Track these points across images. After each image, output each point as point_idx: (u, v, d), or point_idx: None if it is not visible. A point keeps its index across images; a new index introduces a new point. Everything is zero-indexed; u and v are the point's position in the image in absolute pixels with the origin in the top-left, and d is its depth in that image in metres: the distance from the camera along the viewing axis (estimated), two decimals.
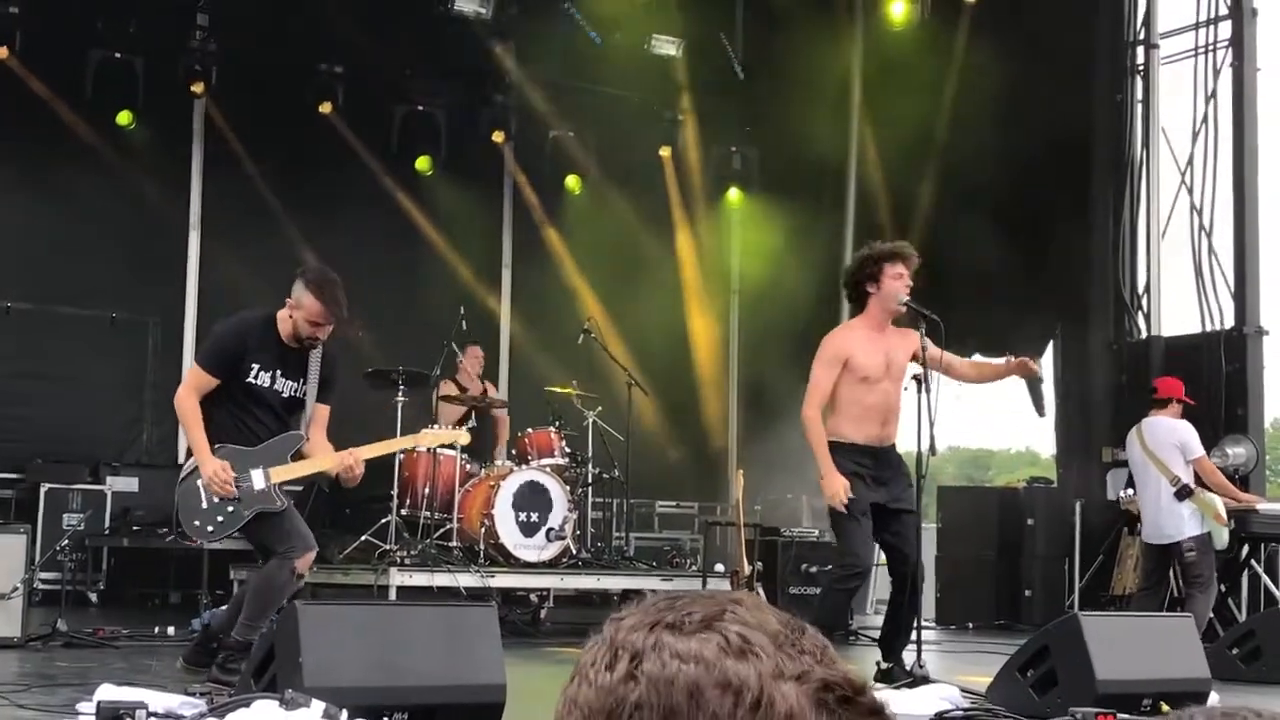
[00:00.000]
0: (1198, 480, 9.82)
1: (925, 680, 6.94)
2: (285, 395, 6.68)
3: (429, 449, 10.59)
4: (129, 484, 12.23)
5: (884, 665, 7.29)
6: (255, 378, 6.59)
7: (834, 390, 7.28)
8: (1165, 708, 6.19)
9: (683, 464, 15.13)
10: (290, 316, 6.64)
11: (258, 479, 6.55)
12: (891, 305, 7.24)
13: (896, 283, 7.20)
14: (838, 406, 7.31)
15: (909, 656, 7.27)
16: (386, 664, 4.89)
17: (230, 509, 6.52)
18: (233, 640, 6.52)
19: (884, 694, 5.74)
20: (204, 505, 6.53)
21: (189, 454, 6.71)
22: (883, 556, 7.77)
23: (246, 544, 7.35)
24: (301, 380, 6.72)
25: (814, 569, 11.60)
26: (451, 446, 10.75)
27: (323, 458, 6.71)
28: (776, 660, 1.12)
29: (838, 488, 7.07)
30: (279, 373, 6.66)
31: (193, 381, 6.63)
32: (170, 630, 9.13)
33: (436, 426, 8.29)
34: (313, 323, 6.61)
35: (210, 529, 6.58)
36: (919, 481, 7.31)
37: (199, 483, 6.52)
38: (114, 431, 13.12)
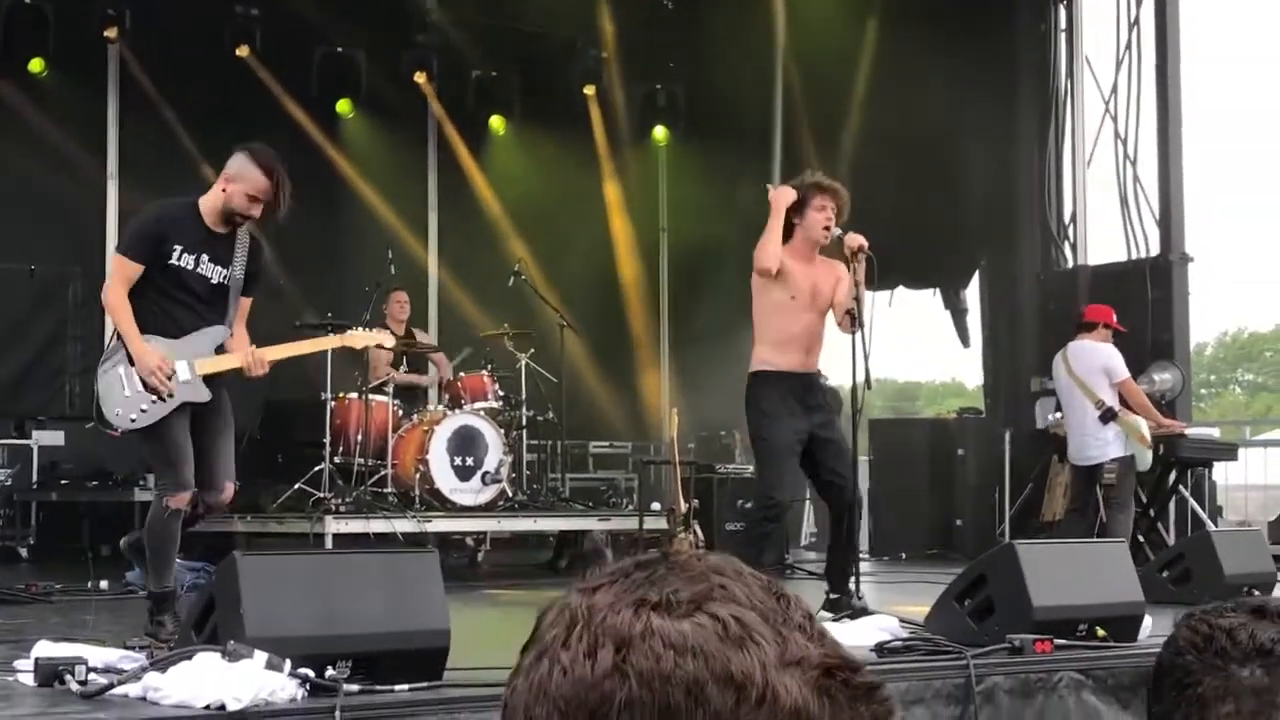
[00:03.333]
0: (1122, 403, 9.98)
1: (864, 612, 7.01)
2: (212, 281, 6.43)
3: (360, 393, 10.52)
4: (55, 438, 12.06)
5: (832, 595, 7.37)
6: (179, 259, 6.33)
7: (760, 319, 7.40)
8: (1101, 632, 6.28)
9: (616, 404, 15.12)
10: (224, 190, 6.40)
11: (183, 370, 6.34)
12: (815, 235, 7.33)
13: (819, 214, 7.31)
14: (764, 334, 7.43)
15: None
16: (329, 613, 4.85)
17: (154, 399, 6.29)
18: (149, 593, 6.42)
19: (826, 625, 5.82)
20: (126, 393, 6.30)
21: (114, 337, 6.44)
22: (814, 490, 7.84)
23: None
24: (228, 267, 6.48)
25: (749, 504, 11.63)
26: (382, 390, 10.69)
27: (233, 355, 6.52)
28: (775, 645, 1.04)
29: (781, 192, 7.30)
30: (204, 256, 6.39)
31: (118, 273, 6.37)
32: (104, 584, 9.03)
33: (361, 329, 7.80)
34: (251, 196, 6.37)
35: (133, 417, 6.30)
36: (855, 417, 7.36)
37: (121, 370, 6.30)
38: (38, 385, 12.91)
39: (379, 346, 7.68)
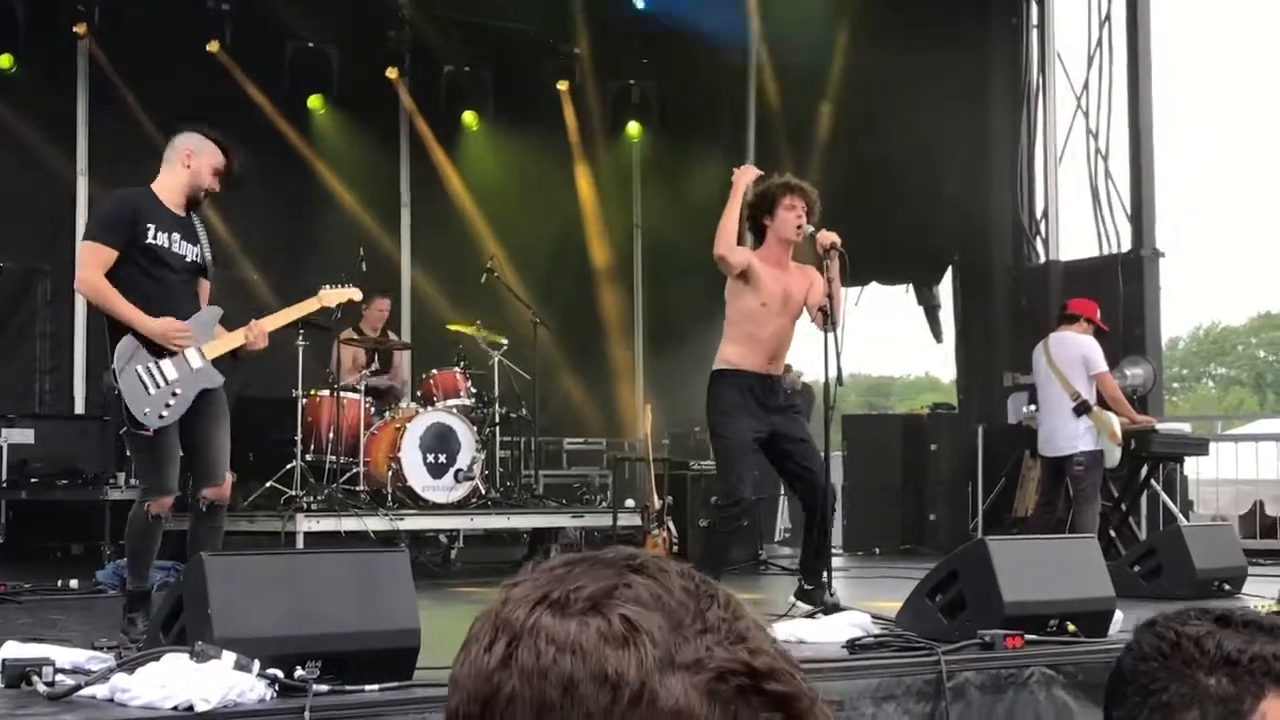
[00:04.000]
0: (1099, 398, 10.02)
1: (836, 608, 7.01)
2: (188, 259, 6.40)
3: (332, 391, 10.48)
4: (25, 435, 11.96)
5: (806, 587, 7.39)
6: (154, 238, 6.28)
7: (731, 317, 7.42)
8: (1071, 627, 6.29)
9: (590, 401, 15.11)
10: (188, 167, 6.40)
11: (194, 357, 6.31)
12: (786, 235, 7.36)
13: (789, 214, 7.35)
14: (731, 334, 7.46)
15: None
16: (298, 613, 4.83)
17: (176, 392, 6.24)
18: (127, 594, 6.41)
19: (796, 624, 5.77)
20: (150, 391, 6.22)
21: (114, 339, 6.29)
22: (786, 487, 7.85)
23: None
24: (199, 246, 6.46)
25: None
26: (353, 389, 10.65)
27: (234, 333, 6.51)
28: (667, 646, 1.03)
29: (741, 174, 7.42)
30: (175, 235, 6.36)
31: (91, 260, 6.24)
32: (74, 583, 8.98)
33: (329, 287, 7.85)
34: (215, 170, 6.42)
35: (162, 414, 6.23)
36: (828, 413, 7.36)
37: (139, 368, 6.21)
38: (7, 383, 12.84)
39: (349, 301, 7.69)
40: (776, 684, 1.05)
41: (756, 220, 7.45)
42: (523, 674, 1.04)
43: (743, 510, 7.35)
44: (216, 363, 6.47)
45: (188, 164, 6.41)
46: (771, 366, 7.43)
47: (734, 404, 7.30)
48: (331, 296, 7.42)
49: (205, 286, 6.59)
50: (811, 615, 6.89)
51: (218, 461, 6.47)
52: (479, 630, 1.09)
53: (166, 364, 6.26)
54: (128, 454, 7.08)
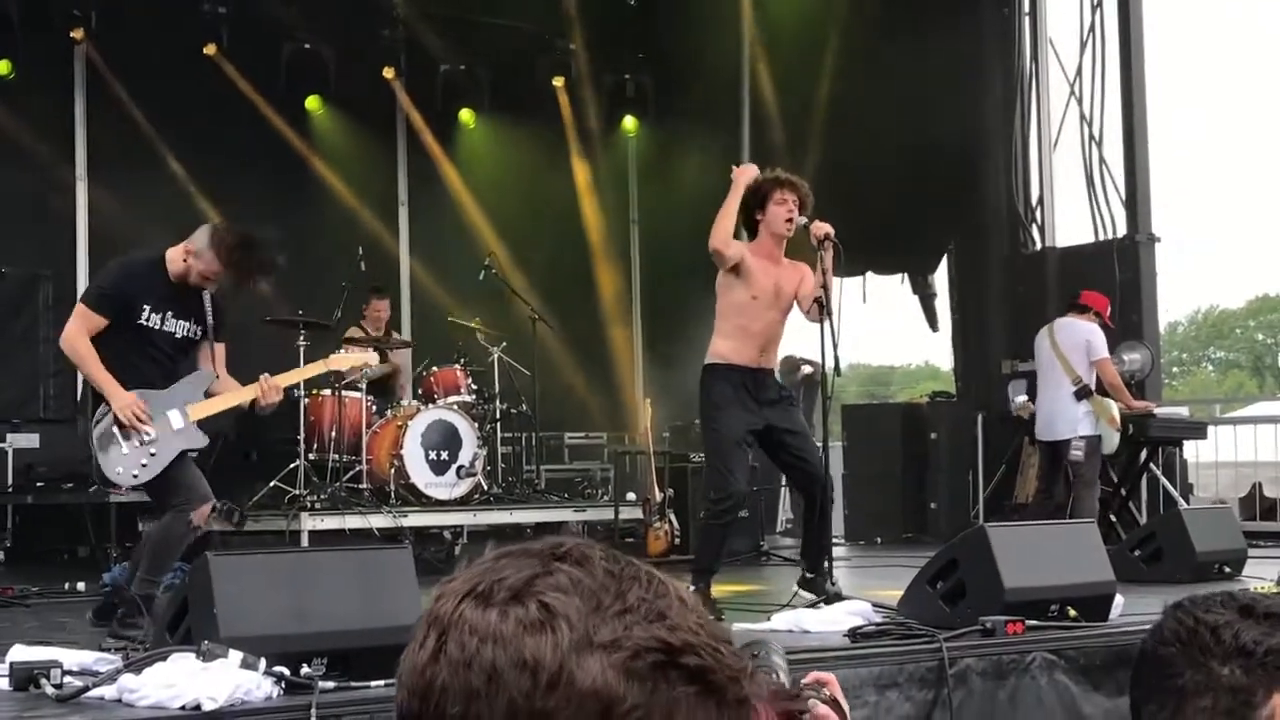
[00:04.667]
0: (1098, 385, 10.06)
1: (838, 597, 7.06)
2: (178, 336, 6.64)
3: (334, 390, 10.53)
4: (30, 440, 12.02)
5: (808, 575, 7.43)
6: (147, 319, 6.55)
7: (722, 310, 7.47)
8: (1072, 612, 6.33)
9: (590, 395, 15.14)
10: (185, 261, 6.61)
11: (175, 419, 6.51)
12: (778, 230, 7.40)
13: (780, 208, 7.40)
14: (722, 328, 7.51)
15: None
16: (302, 610, 4.87)
17: (153, 452, 6.44)
18: (130, 595, 6.47)
19: (798, 614, 5.80)
20: (124, 450, 6.43)
21: (95, 402, 6.55)
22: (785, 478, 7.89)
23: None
24: (193, 320, 6.68)
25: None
26: (355, 387, 10.70)
27: (240, 391, 6.72)
28: (585, 628, 1.08)
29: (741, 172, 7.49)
30: (170, 314, 6.61)
31: (81, 322, 6.51)
32: (80, 586, 9.03)
33: (343, 350, 8.11)
34: (204, 275, 6.61)
35: (135, 474, 6.47)
36: (825, 403, 7.41)
37: (114, 429, 6.42)
38: (11, 388, 12.86)
39: (366, 365, 7.97)
40: (692, 657, 1.09)
41: (748, 215, 7.49)
42: (450, 665, 1.10)
43: (735, 503, 7.38)
44: (223, 417, 6.74)
45: (185, 258, 6.63)
46: (763, 359, 7.47)
47: (726, 398, 7.33)
48: (342, 360, 7.72)
49: (220, 350, 6.80)
50: (814, 605, 6.93)
51: (198, 486, 6.61)
52: (417, 628, 1.14)
53: (144, 425, 6.45)
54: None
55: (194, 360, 6.74)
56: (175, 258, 6.64)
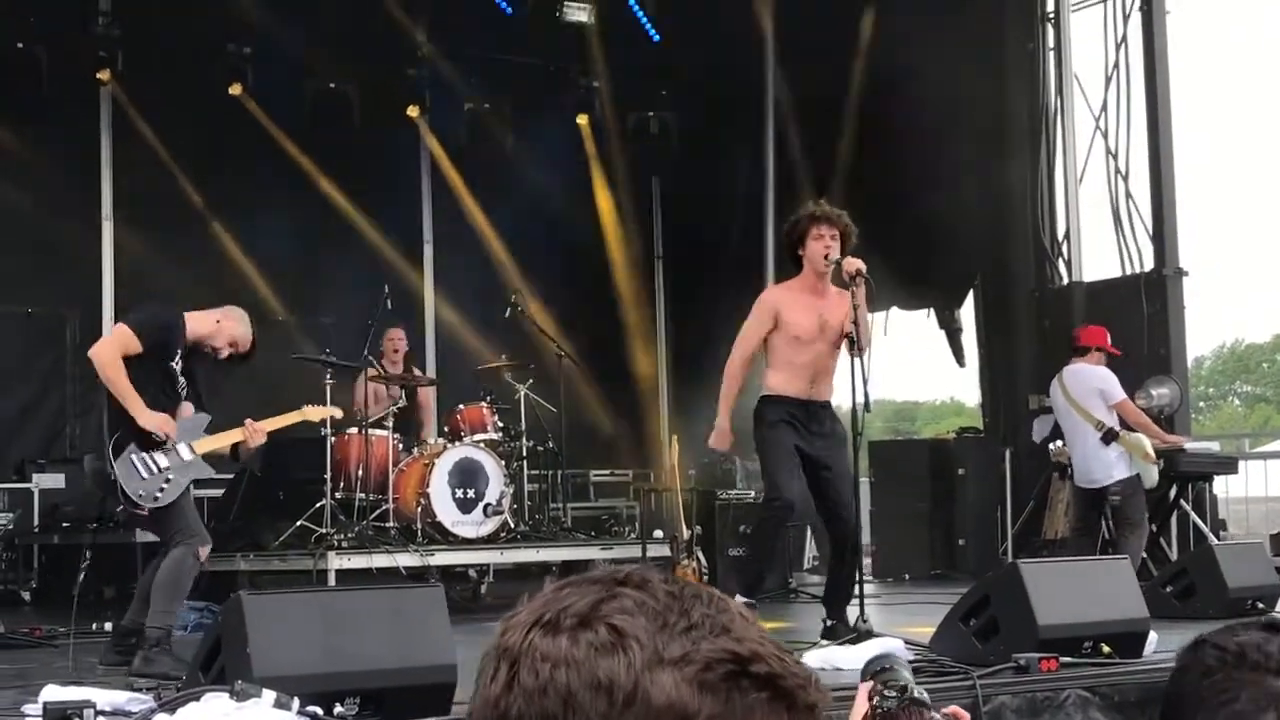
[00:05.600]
0: (1122, 424, 9.96)
1: (869, 634, 7.01)
2: (183, 392, 7.07)
3: (360, 428, 10.53)
4: (56, 480, 12.03)
5: (828, 622, 7.41)
6: (175, 363, 6.95)
7: (770, 345, 7.53)
8: (1106, 648, 6.28)
9: (616, 432, 15.12)
10: (217, 323, 7.09)
11: (184, 451, 6.93)
12: (818, 266, 7.44)
13: (817, 244, 7.43)
14: (772, 360, 7.59)
15: (852, 613, 7.38)
16: (336, 650, 4.86)
17: (170, 479, 6.83)
18: (152, 632, 6.53)
19: (829, 651, 5.77)
20: (144, 476, 6.80)
21: (111, 430, 6.87)
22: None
23: None
24: (190, 382, 7.12)
25: (751, 530, 11.64)
26: (381, 425, 10.69)
27: (227, 434, 7.19)
28: (654, 647, 1.10)
29: (718, 442, 7.72)
30: (183, 367, 7.05)
31: (119, 342, 6.83)
32: (109, 626, 9.01)
33: (313, 405, 8.65)
34: (232, 344, 7.13)
35: (156, 496, 6.81)
36: (855, 440, 7.37)
37: (134, 458, 6.78)
38: (37, 428, 12.91)
39: (333, 416, 8.89)
40: (762, 665, 1.11)
41: (793, 250, 7.56)
42: (525, 694, 1.11)
43: (784, 504, 7.38)
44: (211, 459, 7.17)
45: (219, 320, 7.14)
46: (814, 391, 7.52)
47: (779, 420, 7.43)
48: (314, 412, 8.42)
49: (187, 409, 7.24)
50: (846, 641, 6.87)
51: (200, 524, 7.14)
52: (484, 664, 1.16)
53: (159, 455, 6.88)
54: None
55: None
56: (203, 319, 7.09)
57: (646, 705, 1.08)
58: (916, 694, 2.72)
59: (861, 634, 7.05)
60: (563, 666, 1.10)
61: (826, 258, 7.37)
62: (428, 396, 12.11)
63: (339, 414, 8.82)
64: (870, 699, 2.72)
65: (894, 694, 2.69)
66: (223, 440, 7.20)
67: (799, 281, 7.57)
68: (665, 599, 1.14)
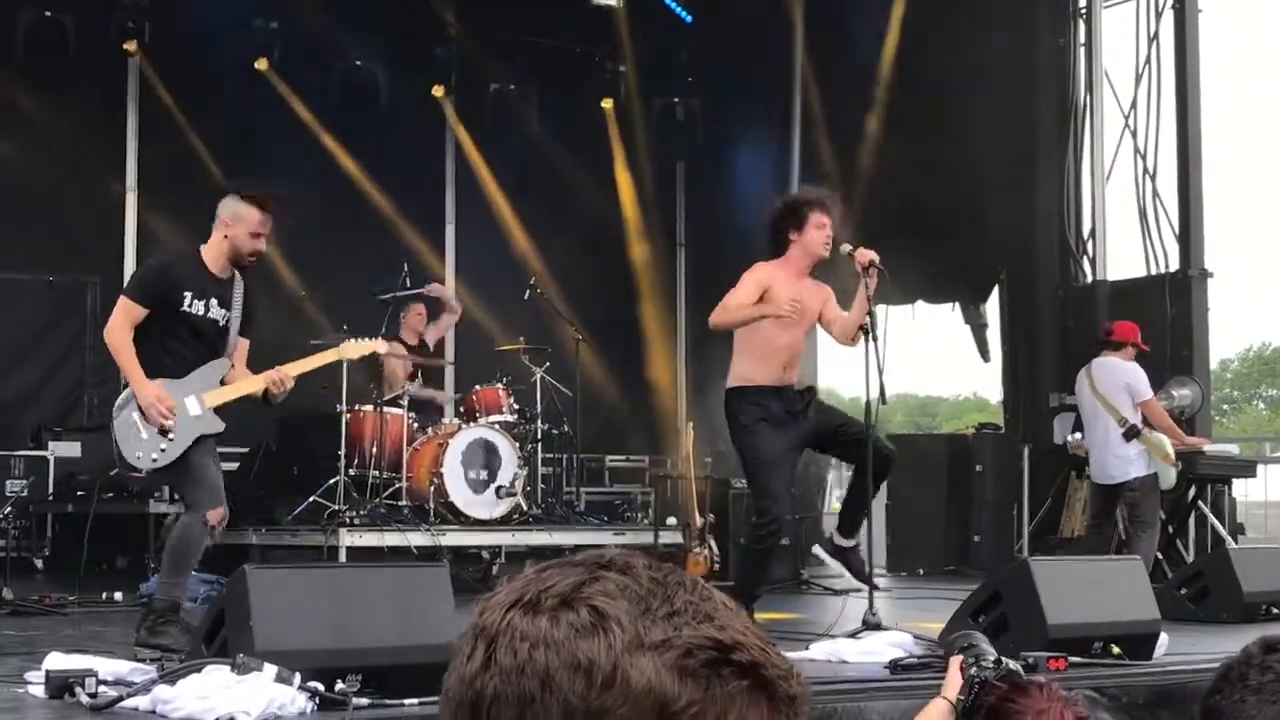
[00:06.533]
0: (1145, 422, 9.89)
1: (878, 628, 6.97)
2: (220, 324, 6.75)
3: (375, 406, 10.52)
4: (71, 449, 12.05)
5: (843, 543, 7.42)
6: (190, 306, 6.65)
7: (742, 330, 7.38)
8: (1115, 649, 6.23)
9: (632, 418, 15.09)
10: (226, 238, 6.72)
11: (192, 405, 6.63)
12: (814, 252, 7.36)
13: (819, 232, 7.34)
14: (744, 347, 7.43)
15: (860, 605, 7.31)
16: (339, 626, 4.84)
17: (171, 437, 6.56)
18: (157, 602, 6.51)
19: (835, 643, 5.73)
20: (143, 435, 6.56)
21: (124, 385, 6.74)
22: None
23: None
24: (229, 309, 6.79)
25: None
26: (397, 403, 10.69)
27: (253, 379, 6.82)
28: (636, 630, 1.09)
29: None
30: (212, 301, 6.72)
31: (122, 314, 6.63)
32: (118, 595, 9.04)
33: (371, 339, 8.06)
34: (254, 233, 6.73)
35: (154, 457, 6.58)
36: (869, 432, 7.30)
37: (134, 416, 6.56)
38: (55, 396, 12.94)
39: (374, 354, 7.98)
40: (744, 654, 1.10)
41: (782, 231, 7.40)
42: (502, 673, 1.10)
43: (777, 528, 7.31)
44: (236, 407, 6.81)
45: (225, 234, 6.75)
46: (786, 376, 7.40)
47: (755, 419, 7.27)
48: (353, 349, 7.74)
49: (243, 344, 6.91)
50: (853, 634, 6.83)
51: (219, 488, 6.72)
52: (461, 642, 1.15)
53: None
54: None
55: (221, 349, 6.82)
56: (213, 245, 6.75)
57: (625, 688, 1.07)
58: (1011, 665, 3.08)
59: (870, 626, 6.99)
60: (541, 646, 1.09)
61: (827, 244, 7.29)
62: (445, 375, 12.07)
63: (383, 348, 8.15)
64: (963, 671, 3.03)
65: (989, 664, 3.04)
66: (239, 391, 6.79)
67: (786, 263, 7.40)
68: (649, 584, 1.13)
